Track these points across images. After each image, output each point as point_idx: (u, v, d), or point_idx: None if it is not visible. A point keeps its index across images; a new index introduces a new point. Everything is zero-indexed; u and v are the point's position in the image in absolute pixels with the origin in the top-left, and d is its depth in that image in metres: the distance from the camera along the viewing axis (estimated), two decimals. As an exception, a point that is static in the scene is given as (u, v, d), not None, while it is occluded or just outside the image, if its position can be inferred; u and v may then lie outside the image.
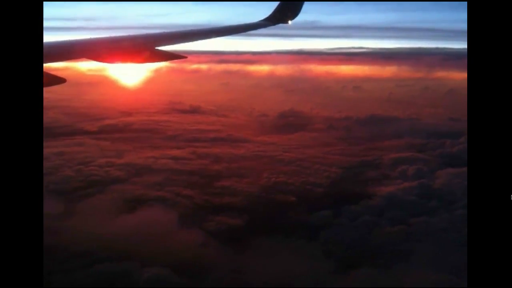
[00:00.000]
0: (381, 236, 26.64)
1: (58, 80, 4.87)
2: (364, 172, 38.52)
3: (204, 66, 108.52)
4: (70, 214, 29.50)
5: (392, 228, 27.29)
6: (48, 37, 6.55)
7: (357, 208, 30.32)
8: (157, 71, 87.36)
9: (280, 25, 9.96)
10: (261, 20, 9.74)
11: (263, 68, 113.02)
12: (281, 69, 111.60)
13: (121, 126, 56.10)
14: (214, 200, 32.23)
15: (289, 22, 9.92)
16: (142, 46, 6.72)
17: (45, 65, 4.48)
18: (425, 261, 23.18)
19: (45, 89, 3.95)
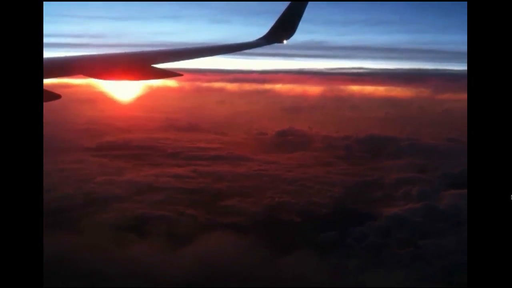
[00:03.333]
0: (391, 258, 26.39)
1: (53, 96, 4.82)
2: (367, 192, 38.41)
3: (202, 84, 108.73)
4: (73, 233, 29.02)
5: (400, 250, 27.08)
6: (53, 54, 6.50)
7: (364, 229, 30.11)
8: (154, 88, 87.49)
9: (286, 45, 10.05)
10: (256, 39, 9.78)
11: (262, 87, 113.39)
12: (279, 88, 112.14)
13: (120, 143, 55.67)
14: (218, 219, 31.86)
15: (284, 41, 9.96)
16: (138, 64, 6.74)
17: None
18: (438, 284, 22.94)
19: None
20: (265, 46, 9.91)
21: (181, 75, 6.70)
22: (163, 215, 32.26)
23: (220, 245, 28.19)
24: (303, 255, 26.98)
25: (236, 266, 25.68)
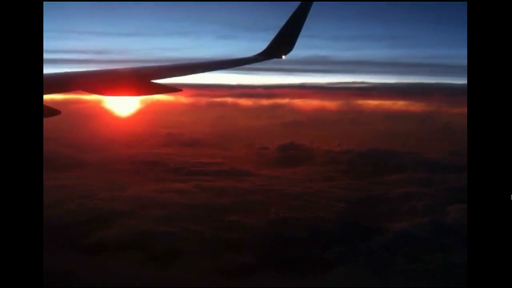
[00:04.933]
0: (399, 274, 26.14)
1: (52, 112, 4.80)
2: (372, 207, 38.21)
3: (203, 99, 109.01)
4: (77, 250, 28.73)
5: (410, 265, 26.83)
6: (56, 70, 6.50)
7: (371, 244, 29.89)
8: (155, 103, 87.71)
9: (288, 60, 10.15)
10: (255, 55, 9.88)
11: (263, 101, 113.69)
12: (280, 102, 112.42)
13: (122, 158, 55.45)
14: (224, 235, 31.57)
15: (283, 57, 10.05)
16: (137, 79, 6.78)
17: None
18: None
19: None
20: (267, 61, 10.01)
21: (181, 90, 6.69)
22: (168, 231, 31.97)
23: (226, 261, 27.93)
24: (310, 271, 26.76)
25: (242, 282, 25.46)
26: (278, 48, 9.90)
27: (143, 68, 7.64)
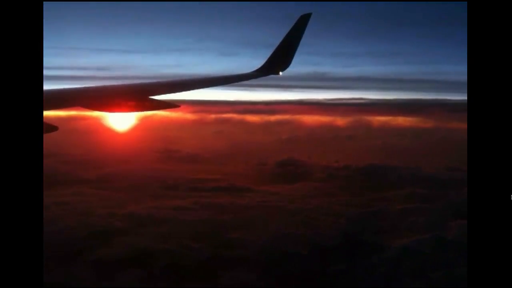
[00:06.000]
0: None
1: (49, 128, 4.81)
2: (372, 223, 37.99)
3: (197, 114, 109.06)
4: (75, 268, 28.34)
5: (412, 283, 26.58)
6: (55, 86, 6.52)
7: (372, 261, 29.65)
8: (153, 119, 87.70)
9: (287, 76, 10.34)
10: (252, 71, 9.95)
11: (260, 117, 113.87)
12: (278, 118, 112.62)
13: (120, 175, 55.13)
14: (224, 253, 31.26)
15: (280, 73, 10.11)
16: (135, 95, 6.80)
17: None
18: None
19: None
20: (266, 77, 10.08)
21: (178, 106, 6.77)
22: (168, 249, 31.63)
23: (227, 279, 27.61)
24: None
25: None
26: (275, 64, 10.00)
27: (142, 85, 7.68)
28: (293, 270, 28.93)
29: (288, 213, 40.49)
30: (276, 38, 10.10)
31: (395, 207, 41.88)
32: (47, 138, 4.29)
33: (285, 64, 10.12)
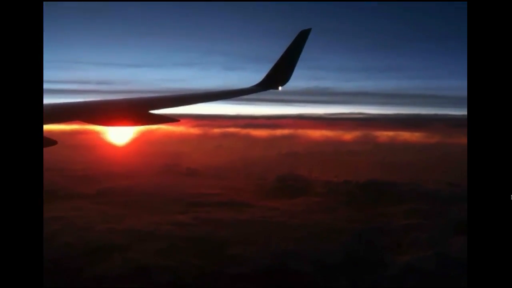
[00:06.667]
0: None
1: (48, 142, 4.78)
2: (375, 239, 37.68)
3: (199, 129, 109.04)
4: (75, 284, 27.97)
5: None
6: (57, 100, 6.48)
7: (376, 278, 29.36)
8: (153, 133, 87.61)
9: (289, 90, 10.33)
10: (252, 86, 9.97)
11: (259, 132, 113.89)
12: (277, 133, 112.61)
13: (120, 190, 54.87)
14: (225, 270, 30.90)
15: (280, 88, 10.13)
16: (135, 110, 6.82)
17: None
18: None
19: None
20: (266, 92, 10.09)
21: (178, 120, 6.75)
22: (168, 265, 31.28)
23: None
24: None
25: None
26: (275, 79, 10.03)
27: (142, 99, 7.68)
28: (295, 287, 28.56)
29: (290, 228, 40.20)
30: (280, 53, 10.12)
31: (397, 223, 41.62)
32: (47, 152, 4.22)
33: (284, 79, 10.15)
